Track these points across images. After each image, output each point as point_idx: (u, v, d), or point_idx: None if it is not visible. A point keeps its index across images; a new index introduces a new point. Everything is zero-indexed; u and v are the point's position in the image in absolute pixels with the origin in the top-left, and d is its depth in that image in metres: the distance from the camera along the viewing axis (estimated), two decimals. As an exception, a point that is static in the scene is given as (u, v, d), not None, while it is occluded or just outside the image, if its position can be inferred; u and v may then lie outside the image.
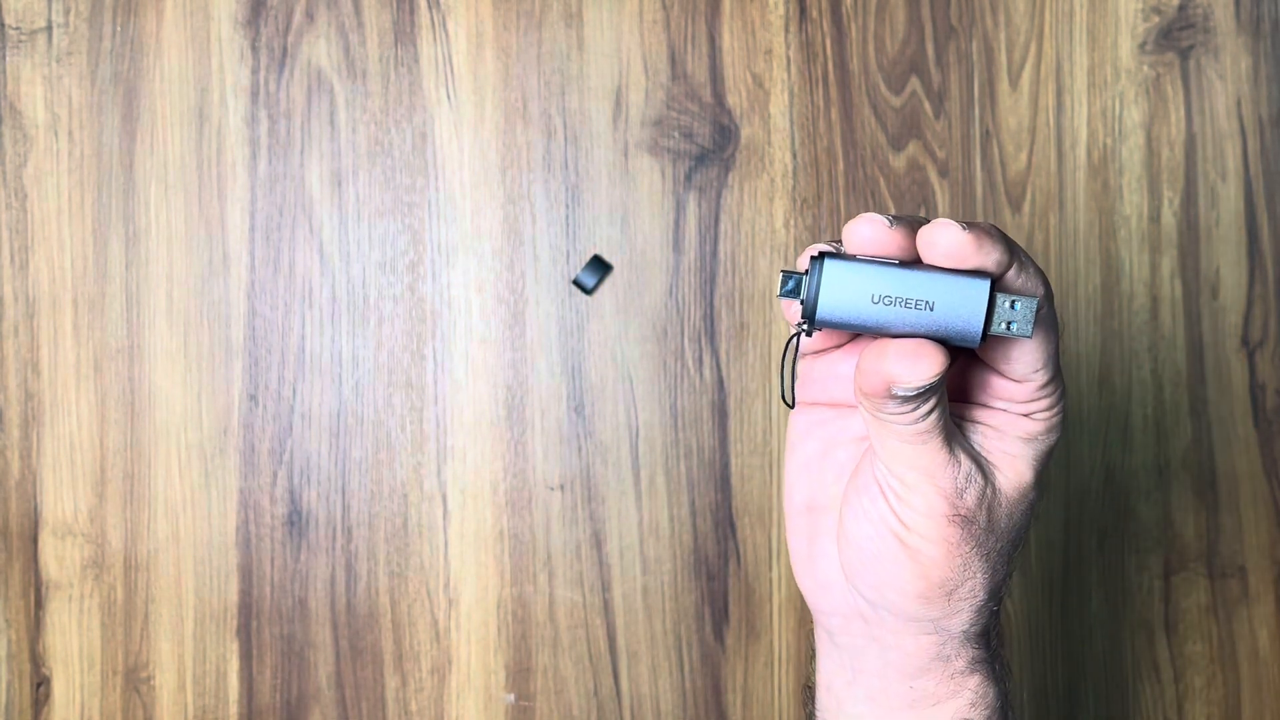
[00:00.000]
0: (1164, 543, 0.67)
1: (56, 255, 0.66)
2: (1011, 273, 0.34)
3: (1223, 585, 0.66)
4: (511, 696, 0.66)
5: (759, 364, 0.66)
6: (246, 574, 0.66)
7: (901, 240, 0.33)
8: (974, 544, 0.36)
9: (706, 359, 0.66)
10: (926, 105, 0.66)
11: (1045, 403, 0.36)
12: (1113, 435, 0.67)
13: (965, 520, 0.36)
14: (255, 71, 0.66)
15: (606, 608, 0.66)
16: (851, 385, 0.38)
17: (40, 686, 0.66)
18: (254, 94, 0.66)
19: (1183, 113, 0.67)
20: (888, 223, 0.33)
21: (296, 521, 0.66)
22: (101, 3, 0.66)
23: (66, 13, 0.66)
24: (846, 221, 0.34)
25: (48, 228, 0.66)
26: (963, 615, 0.38)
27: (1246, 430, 0.66)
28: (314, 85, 0.66)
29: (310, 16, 0.66)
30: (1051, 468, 0.38)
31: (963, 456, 0.36)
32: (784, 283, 0.34)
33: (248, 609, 0.66)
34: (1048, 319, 0.35)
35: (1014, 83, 0.67)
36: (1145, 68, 0.67)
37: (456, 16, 0.66)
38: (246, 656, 0.66)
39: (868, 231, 0.33)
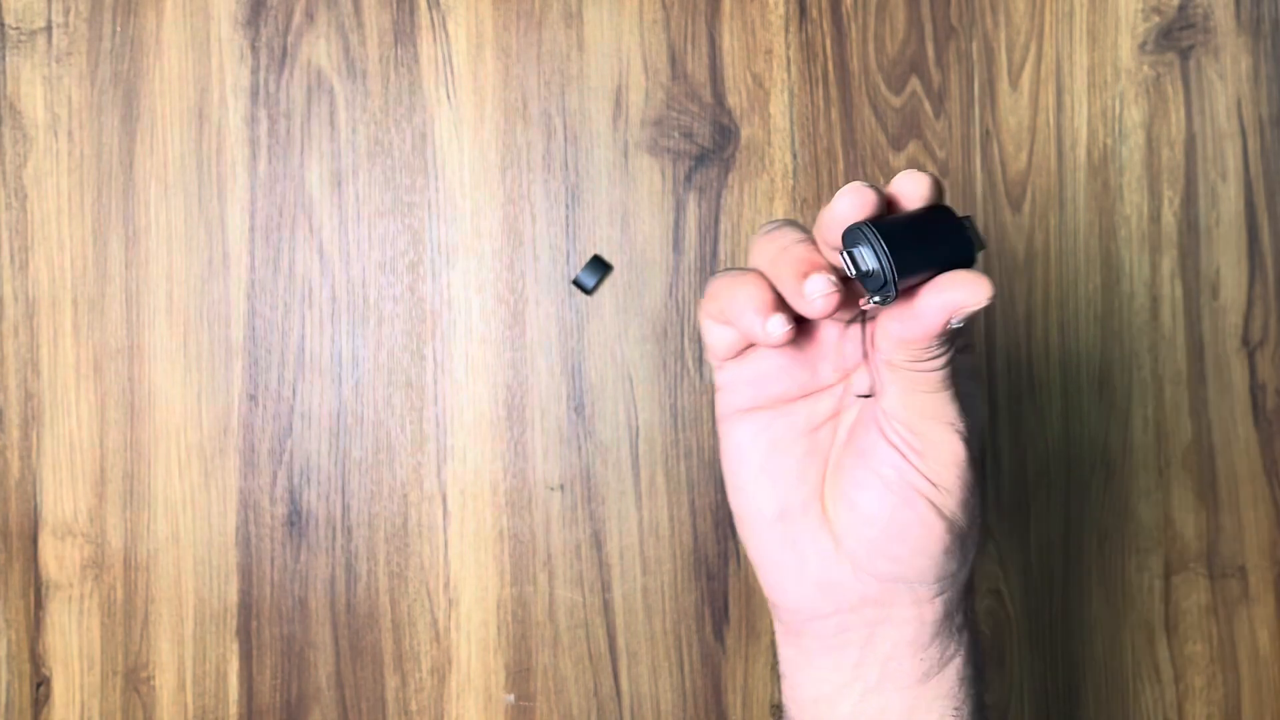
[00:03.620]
0: (1164, 543, 0.67)
1: (56, 255, 0.66)
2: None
3: (1223, 585, 0.66)
4: (511, 696, 0.66)
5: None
6: (246, 574, 0.66)
7: (876, 199, 0.35)
8: (977, 480, 0.37)
9: (707, 359, 0.66)
10: (926, 105, 0.66)
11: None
12: (1113, 435, 0.67)
13: (974, 460, 0.37)
14: (255, 71, 0.66)
15: (606, 608, 0.66)
16: (775, 376, 0.38)
17: (40, 687, 0.66)
18: (254, 94, 0.66)
19: (1183, 113, 0.67)
20: (869, 188, 0.35)
21: (296, 521, 0.66)
22: (101, 3, 0.66)
23: (66, 13, 0.66)
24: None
25: (47, 228, 0.66)
26: (965, 569, 0.38)
27: (1247, 430, 0.66)
28: (314, 85, 0.66)
29: (310, 16, 0.66)
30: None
31: (956, 403, 0.37)
32: (854, 265, 0.34)
33: (248, 609, 0.66)
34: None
35: (1014, 83, 0.67)
36: (1145, 68, 0.67)
37: (456, 16, 0.66)
38: (246, 656, 0.66)
39: (859, 200, 0.34)
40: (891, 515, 0.37)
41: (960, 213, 0.35)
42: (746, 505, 0.39)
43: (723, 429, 0.39)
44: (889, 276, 0.33)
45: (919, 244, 0.34)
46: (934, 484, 0.37)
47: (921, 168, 0.34)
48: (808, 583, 0.39)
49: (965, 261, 0.34)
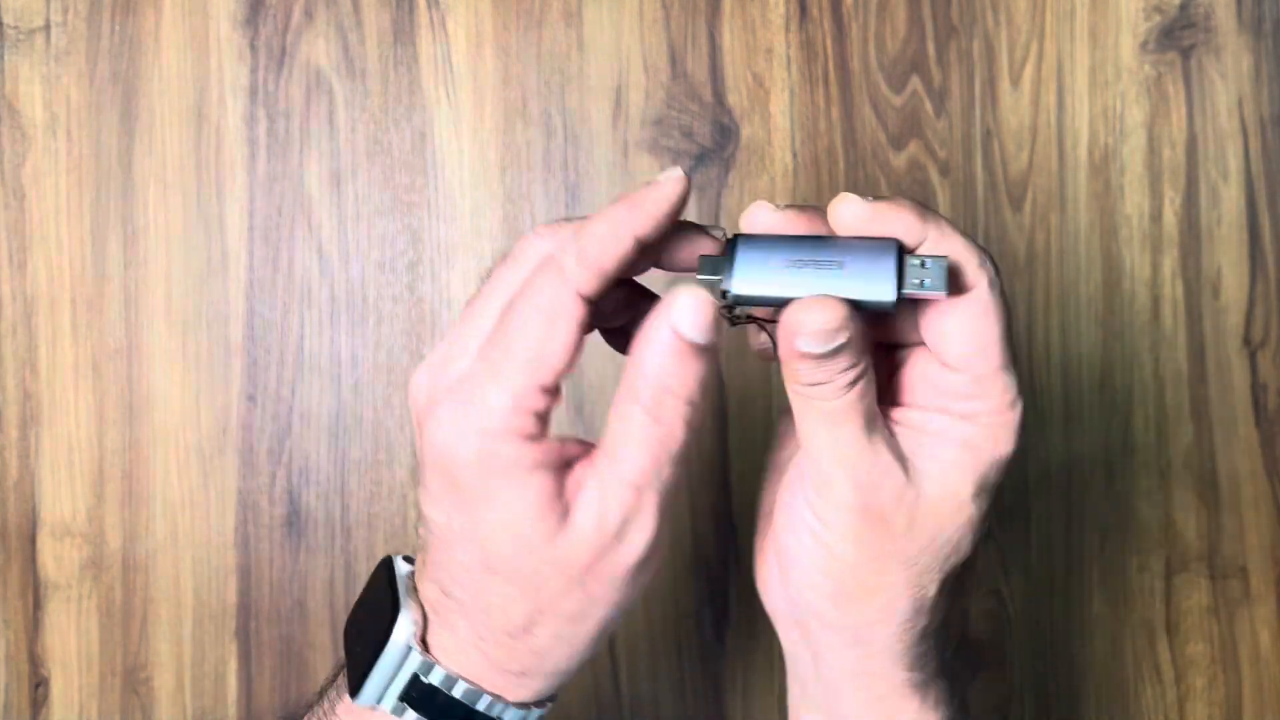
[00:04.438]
0: (1165, 543, 0.67)
1: (54, 255, 0.66)
2: (929, 243, 0.34)
3: (1224, 586, 0.66)
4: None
5: (759, 364, 0.66)
6: (245, 575, 0.66)
7: (793, 221, 0.35)
8: (890, 548, 0.35)
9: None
10: (927, 104, 0.66)
11: (988, 402, 0.35)
12: (1113, 435, 0.66)
13: (878, 519, 0.35)
14: (254, 71, 0.66)
15: (606, 608, 0.66)
16: None
17: (39, 687, 0.66)
18: (253, 93, 0.66)
19: (1184, 112, 0.66)
20: (774, 207, 0.35)
21: (295, 522, 0.66)
22: (100, 2, 0.66)
23: (64, 12, 0.66)
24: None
25: (46, 227, 0.66)
26: (883, 627, 0.36)
27: (1248, 430, 0.66)
28: (313, 85, 0.66)
29: (309, 16, 0.66)
30: (1005, 487, 0.37)
31: (883, 448, 0.35)
32: (701, 267, 0.35)
33: (246, 610, 0.66)
34: (988, 301, 0.34)
35: (1015, 82, 0.66)
36: (1146, 67, 0.66)
37: (456, 16, 0.66)
38: (245, 657, 0.66)
39: (760, 217, 0.35)
40: (784, 538, 0.37)
41: (925, 257, 0.34)
42: (761, 494, 0.40)
43: (781, 419, 0.40)
44: (724, 288, 0.35)
45: (797, 264, 0.34)
46: (821, 520, 0.36)
47: (868, 195, 0.34)
48: (761, 580, 0.39)
49: (870, 301, 0.33)
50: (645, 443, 0.35)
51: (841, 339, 0.33)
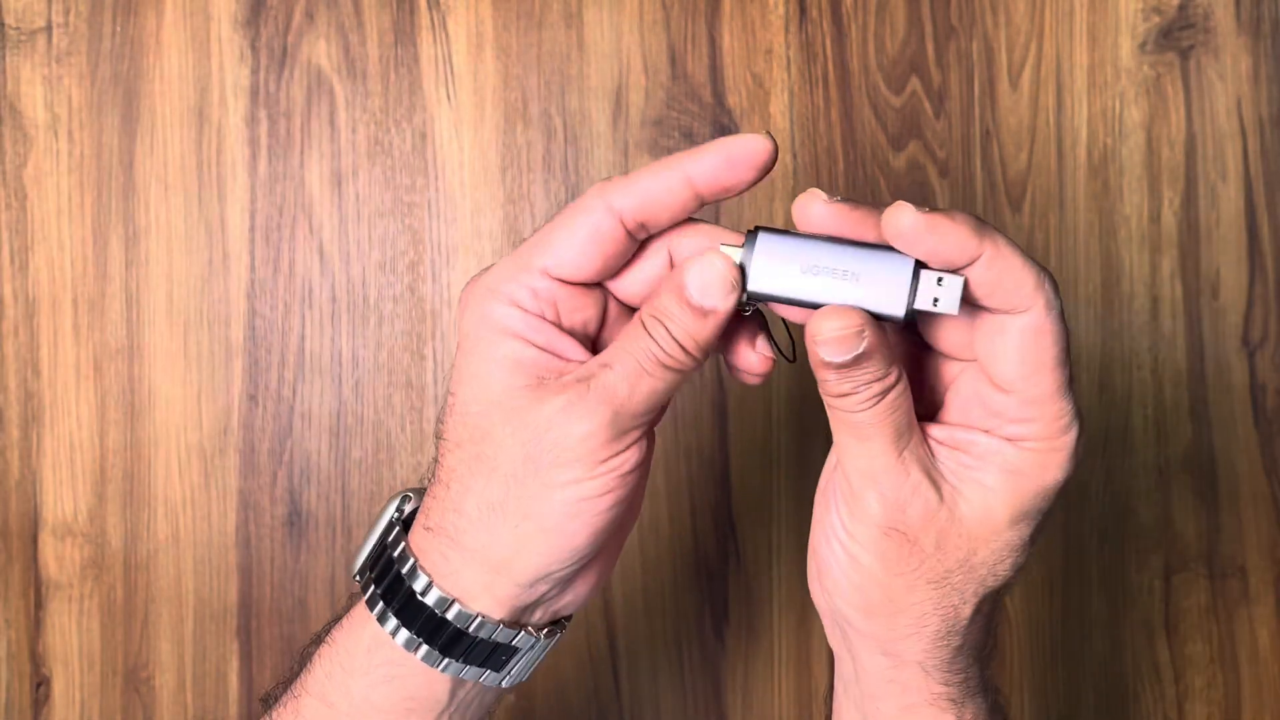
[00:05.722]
0: (1164, 543, 0.67)
1: (56, 255, 0.66)
2: (983, 260, 0.32)
3: (1223, 585, 0.66)
4: (511, 696, 0.66)
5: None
6: (246, 574, 0.66)
7: (844, 216, 0.34)
8: (917, 566, 0.35)
9: (706, 359, 0.66)
10: (926, 105, 0.66)
11: (1038, 427, 0.34)
12: (1113, 435, 0.67)
13: (904, 538, 0.34)
14: (255, 71, 0.66)
15: (606, 608, 0.66)
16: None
17: (40, 687, 0.66)
18: (254, 94, 0.66)
19: (1183, 113, 0.67)
20: (826, 199, 0.34)
21: (296, 522, 0.66)
22: (101, 3, 0.66)
23: (66, 13, 0.66)
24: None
25: (47, 228, 0.66)
26: (912, 642, 0.36)
27: (1247, 430, 0.66)
28: (314, 85, 0.66)
29: (310, 16, 0.66)
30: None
31: (914, 467, 0.34)
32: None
33: (247, 609, 0.66)
34: (1044, 324, 0.33)
35: (1014, 82, 0.67)
36: (1145, 68, 0.67)
37: (456, 16, 0.66)
38: (246, 657, 0.66)
39: (812, 208, 0.34)
40: (818, 545, 0.37)
41: (944, 273, 0.33)
42: (819, 483, 0.39)
43: None
44: (742, 284, 0.35)
45: (813, 270, 0.34)
46: (849, 534, 0.35)
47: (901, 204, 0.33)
48: (809, 573, 0.39)
49: (883, 312, 0.33)
50: (631, 353, 0.35)
51: (859, 348, 0.33)
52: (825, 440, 0.36)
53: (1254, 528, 0.66)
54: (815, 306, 0.34)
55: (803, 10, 0.66)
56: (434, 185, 0.66)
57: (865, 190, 0.66)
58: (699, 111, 0.66)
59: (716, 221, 0.66)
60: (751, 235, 0.35)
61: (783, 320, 0.37)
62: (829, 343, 0.33)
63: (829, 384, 0.34)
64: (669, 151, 0.66)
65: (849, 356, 0.33)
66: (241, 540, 0.66)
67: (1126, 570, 0.67)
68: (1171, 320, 0.66)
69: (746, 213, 0.66)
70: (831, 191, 0.35)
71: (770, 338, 0.38)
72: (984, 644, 0.38)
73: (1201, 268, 0.66)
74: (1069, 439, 0.35)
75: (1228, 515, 0.66)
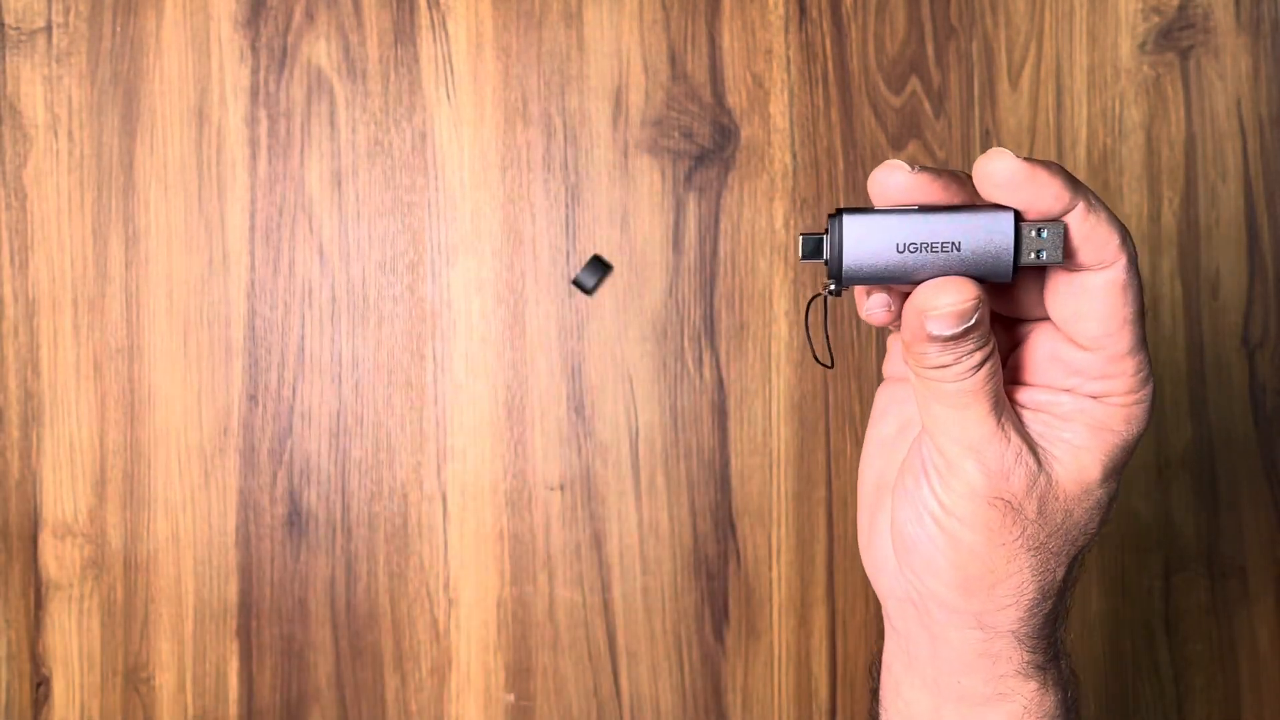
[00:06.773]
0: (1164, 543, 0.67)
1: (56, 255, 0.66)
2: (1077, 213, 0.32)
3: (1223, 585, 0.66)
4: (511, 696, 0.66)
5: (759, 363, 0.66)
6: (246, 574, 0.66)
7: (929, 184, 0.32)
8: (1019, 535, 0.34)
9: (706, 359, 0.66)
10: (926, 105, 0.66)
11: (1120, 382, 0.34)
12: (1113, 435, 0.67)
13: (1009, 506, 0.34)
14: (255, 71, 0.66)
15: (606, 608, 0.66)
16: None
17: (40, 686, 0.66)
18: (254, 94, 0.66)
19: (1182, 113, 0.67)
20: (908, 169, 0.32)
21: (296, 521, 0.66)
22: (101, 3, 0.66)
23: (66, 13, 0.66)
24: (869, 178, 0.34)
25: (47, 228, 0.66)
26: (1010, 612, 0.36)
27: (1246, 430, 0.66)
28: (314, 85, 0.66)
29: (310, 16, 0.66)
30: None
31: (1013, 434, 0.34)
32: (804, 245, 0.34)
33: (248, 609, 0.66)
34: (1126, 279, 0.33)
35: (1014, 83, 0.67)
36: (1145, 68, 0.67)
37: (456, 16, 0.66)
38: (246, 657, 0.66)
39: (893, 179, 0.32)
40: (906, 526, 0.36)
41: (1041, 224, 0.32)
42: (862, 466, 0.39)
43: (879, 391, 0.39)
44: (834, 271, 0.33)
45: (910, 248, 0.33)
46: (946, 510, 0.35)
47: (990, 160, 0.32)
48: (872, 557, 0.38)
49: (987, 275, 0.32)
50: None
51: (973, 320, 0.32)
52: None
53: (1253, 527, 0.66)
54: (915, 282, 0.33)
55: (803, 10, 0.66)
56: (434, 185, 0.66)
57: (865, 190, 0.66)
58: (699, 111, 0.66)
59: (717, 225, 0.66)
60: (834, 218, 0.33)
61: (807, 326, 0.36)
62: (944, 317, 0.32)
63: (928, 357, 0.33)
64: (669, 152, 0.66)
65: (961, 328, 0.32)
66: (241, 540, 0.66)
67: (1126, 570, 0.67)
68: (1171, 320, 0.66)
69: (745, 212, 0.66)
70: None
71: (810, 343, 0.37)
72: (1067, 608, 0.38)
73: (1201, 267, 0.66)
74: (1149, 390, 0.35)
75: (1227, 515, 0.66)
